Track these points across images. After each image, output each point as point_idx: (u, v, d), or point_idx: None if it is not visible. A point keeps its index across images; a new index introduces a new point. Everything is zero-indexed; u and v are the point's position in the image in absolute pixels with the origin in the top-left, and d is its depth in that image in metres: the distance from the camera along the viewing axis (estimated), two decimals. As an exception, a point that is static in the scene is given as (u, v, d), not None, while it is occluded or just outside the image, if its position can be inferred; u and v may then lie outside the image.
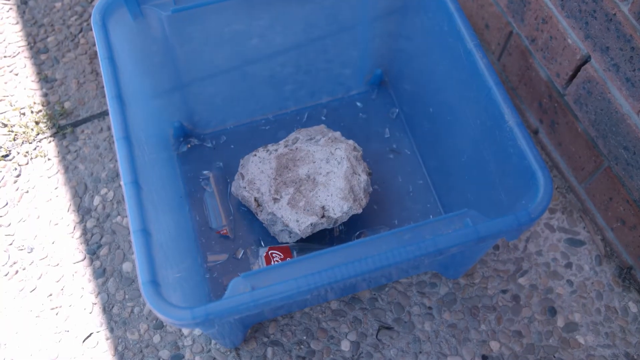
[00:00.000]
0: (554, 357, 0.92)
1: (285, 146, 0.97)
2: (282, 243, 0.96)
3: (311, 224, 0.90)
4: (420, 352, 0.92)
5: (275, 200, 0.92)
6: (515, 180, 0.74)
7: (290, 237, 0.94)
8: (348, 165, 0.93)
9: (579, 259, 0.99)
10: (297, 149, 0.96)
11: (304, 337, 0.93)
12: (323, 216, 0.91)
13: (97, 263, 0.99)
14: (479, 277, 0.98)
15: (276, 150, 0.97)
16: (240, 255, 0.97)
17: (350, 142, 0.97)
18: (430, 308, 0.95)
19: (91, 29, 1.24)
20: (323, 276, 0.61)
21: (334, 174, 0.93)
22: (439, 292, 0.97)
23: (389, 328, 0.94)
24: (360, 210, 0.92)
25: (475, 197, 0.88)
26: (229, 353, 0.91)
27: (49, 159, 1.09)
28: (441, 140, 0.97)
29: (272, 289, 0.61)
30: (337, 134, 0.98)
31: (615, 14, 0.78)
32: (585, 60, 0.87)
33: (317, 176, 0.93)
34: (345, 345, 0.92)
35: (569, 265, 0.99)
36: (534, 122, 1.07)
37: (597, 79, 0.86)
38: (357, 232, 0.99)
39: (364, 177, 0.94)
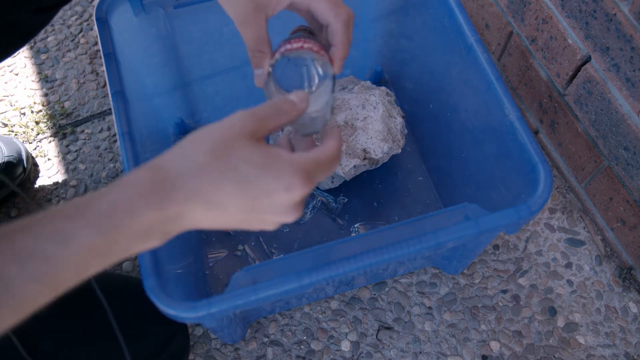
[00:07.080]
0: (554, 357, 0.91)
1: None
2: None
3: (354, 166, 0.93)
4: (420, 352, 0.92)
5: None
6: (515, 174, 0.74)
7: (332, 181, 0.96)
8: (384, 109, 0.95)
9: (579, 259, 0.99)
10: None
11: (304, 337, 0.93)
12: (365, 158, 0.93)
13: (97, 262, 0.98)
14: (479, 277, 0.97)
15: None
16: (241, 252, 0.97)
17: (383, 88, 0.99)
18: (430, 308, 0.95)
19: (91, 29, 1.24)
20: (325, 270, 0.61)
21: (371, 118, 0.94)
22: (439, 292, 0.96)
23: (389, 328, 0.93)
24: (399, 150, 0.95)
25: (476, 192, 0.88)
26: (229, 353, 0.91)
27: (49, 159, 1.09)
28: (441, 136, 0.98)
29: (274, 283, 0.61)
30: (368, 82, 1.00)
31: (615, 14, 0.78)
32: (586, 60, 0.87)
33: (354, 122, 0.95)
34: (345, 345, 0.92)
35: (569, 265, 0.99)
36: (534, 122, 1.07)
37: (598, 79, 0.86)
38: (356, 225, 0.99)
39: (399, 119, 0.97)
